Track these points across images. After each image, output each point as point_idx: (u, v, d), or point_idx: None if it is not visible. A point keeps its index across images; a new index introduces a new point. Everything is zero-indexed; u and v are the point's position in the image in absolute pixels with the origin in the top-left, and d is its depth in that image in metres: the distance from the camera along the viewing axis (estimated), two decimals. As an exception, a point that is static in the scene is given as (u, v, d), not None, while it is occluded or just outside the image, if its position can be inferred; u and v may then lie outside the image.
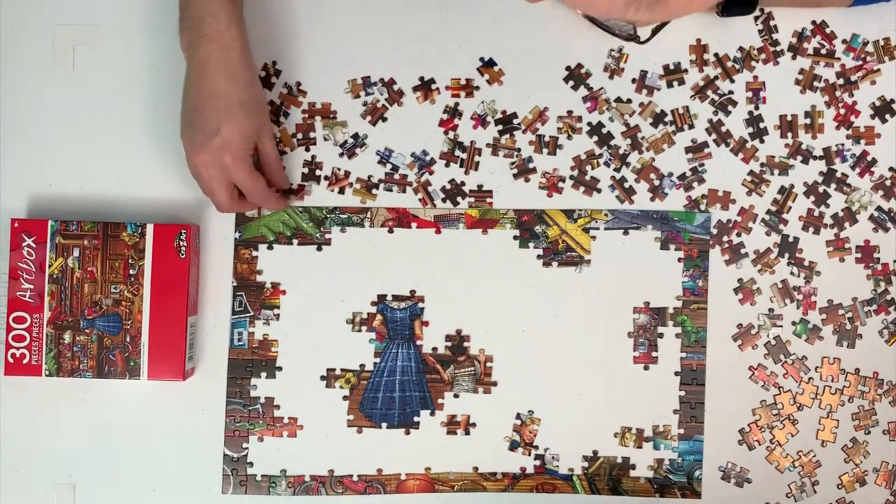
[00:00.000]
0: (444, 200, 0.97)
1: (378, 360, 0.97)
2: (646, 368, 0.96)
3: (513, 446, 0.96)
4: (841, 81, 0.97)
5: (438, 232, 0.97)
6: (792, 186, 0.97)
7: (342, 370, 0.96)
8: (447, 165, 0.97)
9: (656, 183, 0.97)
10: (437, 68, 0.97)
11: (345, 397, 0.96)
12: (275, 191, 0.94)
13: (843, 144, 0.97)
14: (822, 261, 0.97)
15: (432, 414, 0.96)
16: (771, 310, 0.96)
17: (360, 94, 0.97)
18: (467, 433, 0.96)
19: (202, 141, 0.87)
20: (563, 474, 0.96)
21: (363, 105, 0.97)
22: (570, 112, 0.97)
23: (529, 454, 0.96)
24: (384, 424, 0.96)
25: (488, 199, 0.97)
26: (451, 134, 0.97)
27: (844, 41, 0.97)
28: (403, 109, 0.97)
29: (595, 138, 0.97)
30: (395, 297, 0.97)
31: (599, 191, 0.97)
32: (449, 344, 0.97)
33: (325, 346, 0.96)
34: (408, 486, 0.96)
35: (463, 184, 0.97)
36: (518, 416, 0.96)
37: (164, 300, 0.93)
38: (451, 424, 0.96)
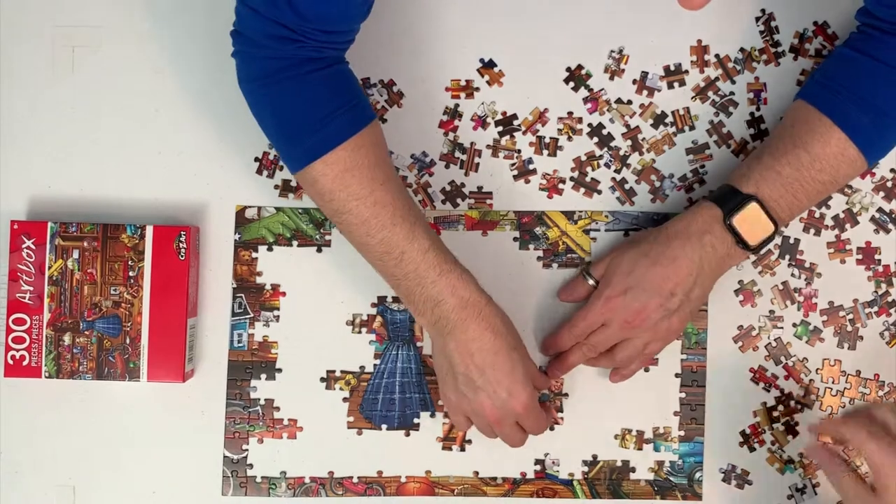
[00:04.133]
0: (443, 202, 0.97)
1: (378, 361, 0.97)
2: (646, 370, 0.96)
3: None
4: (842, 82, 0.97)
5: (438, 233, 0.97)
6: (793, 188, 0.97)
7: (342, 372, 0.96)
8: (447, 167, 0.97)
9: (657, 184, 0.97)
10: (437, 69, 0.97)
11: (345, 399, 0.96)
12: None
13: (844, 146, 0.97)
14: (822, 262, 0.96)
15: (432, 416, 0.96)
16: (772, 311, 0.96)
17: (359, 95, 0.97)
18: (462, 450, 0.96)
19: (493, 399, 0.86)
20: (563, 479, 0.96)
21: (363, 106, 0.97)
22: (570, 113, 0.97)
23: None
24: (384, 426, 0.96)
25: (488, 201, 0.97)
26: (450, 135, 0.97)
27: (846, 42, 0.97)
28: (403, 111, 0.97)
29: (595, 139, 0.97)
30: (395, 299, 0.96)
31: (600, 192, 0.97)
32: (449, 345, 0.96)
33: (325, 348, 0.96)
34: (408, 488, 0.96)
35: (463, 185, 0.97)
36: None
37: (163, 302, 0.93)
38: (447, 440, 0.96)
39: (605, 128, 0.97)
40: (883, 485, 0.77)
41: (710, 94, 0.97)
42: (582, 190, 0.97)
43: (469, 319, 0.86)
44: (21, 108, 0.96)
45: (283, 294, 0.97)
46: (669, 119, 0.97)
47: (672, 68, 0.97)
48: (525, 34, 0.97)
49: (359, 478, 0.96)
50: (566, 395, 0.96)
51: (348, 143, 0.85)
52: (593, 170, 0.97)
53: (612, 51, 0.97)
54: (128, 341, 0.93)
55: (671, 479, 0.96)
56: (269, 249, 0.97)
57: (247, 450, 0.96)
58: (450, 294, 0.86)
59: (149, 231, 0.93)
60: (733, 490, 0.96)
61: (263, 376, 0.96)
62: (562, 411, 0.96)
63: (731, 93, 0.97)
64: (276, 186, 0.97)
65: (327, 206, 0.88)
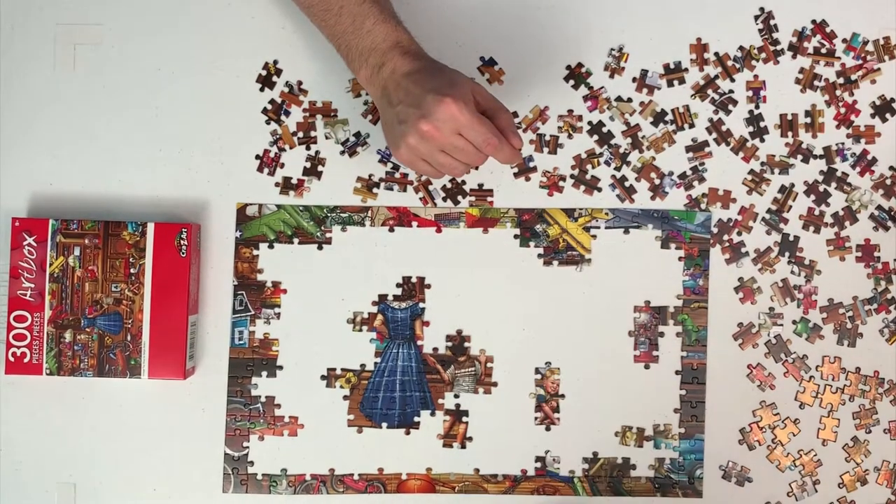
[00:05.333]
0: (444, 199, 0.97)
1: (378, 359, 0.97)
2: (646, 367, 0.96)
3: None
4: (841, 80, 0.97)
5: (439, 231, 0.97)
6: (792, 185, 0.97)
7: (343, 370, 0.96)
8: (448, 164, 0.97)
9: (657, 182, 0.97)
10: (438, 68, 0.97)
11: (345, 397, 0.96)
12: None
13: (843, 143, 0.97)
14: (822, 260, 0.97)
15: (432, 414, 0.96)
16: (771, 309, 0.97)
17: (360, 92, 0.97)
18: (463, 447, 0.96)
19: (417, 108, 0.84)
20: (563, 476, 0.96)
21: (364, 104, 0.97)
22: (570, 111, 0.97)
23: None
24: (384, 424, 0.96)
25: (489, 198, 0.97)
26: (451, 133, 0.97)
27: (844, 40, 0.97)
28: (404, 108, 0.97)
29: (595, 137, 0.97)
30: (396, 297, 0.97)
31: (600, 190, 0.97)
32: (449, 344, 0.97)
33: (326, 346, 0.96)
34: (409, 486, 0.96)
35: (464, 183, 0.97)
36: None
37: (164, 299, 0.93)
38: (448, 437, 0.96)
39: (605, 126, 0.97)
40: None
41: (709, 91, 0.97)
42: (582, 187, 0.97)
43: (402, 58, 0.87)
44: (23, 106, 0.97)
45: (284, 291, 0.97)
46: (669, 117, 0.97)
47: (672, 66, 0.97)
48: (525, 32, 0.97)
49: (360, 475, 0.96)
50: (563, 395, 0.96)
51: None
52: (593, 167, 0.97)
53: (611, 49, 0.97)
54: (129, 338, 0.93)
55: (671, 476, 0.96)
56: (270, 247, 0.97)
57: (248, 447, 0.96)
58: (382, 39, 0.87)
59: (150, 228, 0.93)
60: (733, 487, 0.96)
61: (264, 374, 0.96)
62: (558, 411, 0.96)
63: (731, 91, 0.97)
64: (277, 184, 0.97)
65: None
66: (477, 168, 0.94)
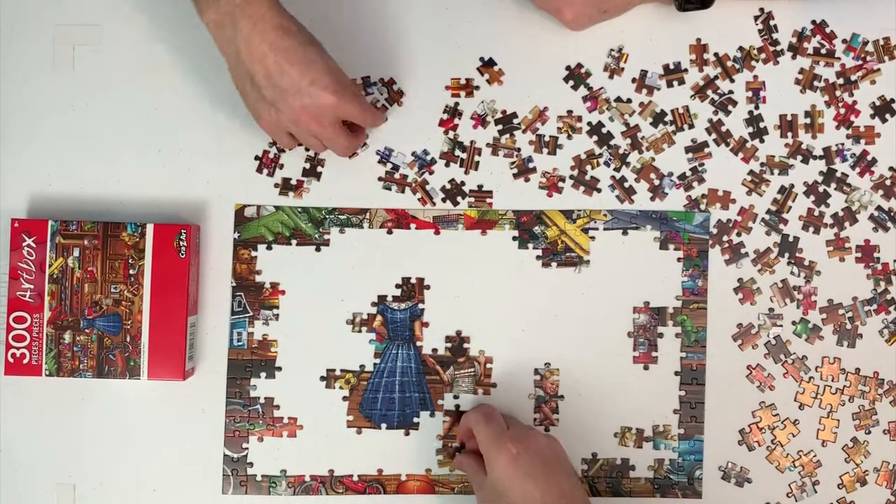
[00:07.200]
0: (444, 200, 0.97)
1: (378, 360, 0.97)
2: (646, 368, 0.96)
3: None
4: (841, 81, 0.97)
5: (437, 233, 0.97)
6: (792, 186, 0.97)
7: (342, 371, 0.96)
8: (447, 165, 0.97)
9: (656, 183, 0.97)
10: (437, 68, 0.97)
11: (344, 398, 0.96)
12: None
13: (843, 144, 0.97)
14: (822, 260, 0.97)
15: (432, 415, 0.96)
16: (771, 309, 0.96)
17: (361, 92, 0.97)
18: (463, 447, 0.96)
19: (301, 100, 0.84)
20: (563, 475, 0.96)
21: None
22: (569, 112, 0.97)
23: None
24: (384, 425, 0.96)
25: (488, 199, 0.97)
26: (451, 134, 0.97)
27: (844, 41, 0.97)
28: (403, 109, 0.97)
29: (595, 138, 0.97)
30: (395, 298, 0.97)
31: (599, 190, 0.97)
32: (449, 345, 0.97)
33: (325, 347, 0.96)
34: (408, 486, 0.96)
35: (463, 183, 0.97)
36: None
37: (164, 300, 0.93)
38: (448, 438, 0.96)
39: (604, 126, 0.97)
40: (493, 467, 0.85)
41: (709, 92, 0.97)
42: (581, 188, 0.97)
43: (256, 18, 0.82)
44: (21, 107, 0.97)
45: (283, 292, 0.97)
46: (669, 117, 0.97)
47: (671, 67, 0.97)
48: (525, 32, 0.97)
49: (359, 476, 0.96)
50: (562, 396, 0.96)
51: None
52: (593, 168, 0.97)
53: (611, 49, 0.97)
54: (128, 339, 0.93)
55: (671, 477, 0.96)
56: (269, 248, 0.97)
57: (247, 448, 0.96)
58: None
59: (149, 229, 0.93)
60: (733, 488, 0.96)
61: (263, 375, 0.96)
62: (557, 412, 0.96)
63: (730, 91, 0.97)
64: (276, 185, 0.97)
65: None
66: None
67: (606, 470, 0.96)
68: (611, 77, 0.97)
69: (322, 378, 0.96)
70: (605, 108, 0.97)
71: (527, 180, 0.97)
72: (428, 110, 0.97)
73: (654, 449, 0.96)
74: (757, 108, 0.97)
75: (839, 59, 0.97)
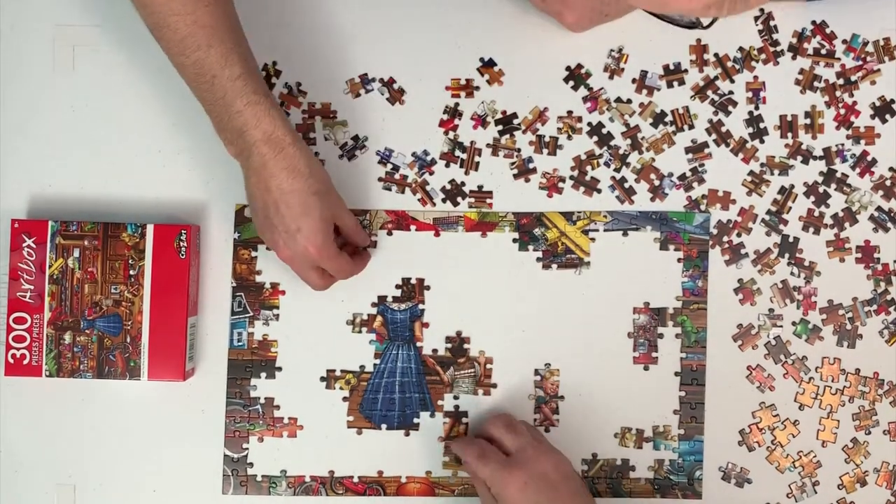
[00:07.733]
0: (444, 200, 0.97)
1: (378, 361, 0.97)
2: (646, 369, 0.96)
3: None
4: (841, 81, 0.97)
5: (437, 235, 0.97)
6: (792, 187, 0.97)
7: (342, 371, 0.96)
8: (447, 166, 0.97)
9: (656, 183, 0.97)
10: (437, 68, 0.97)
11: (344, 398, 0.96)
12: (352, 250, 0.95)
13: (843, 144, 0.97)
14: (822, 261, 0.97)
15: (432, 416, 0.96)
16: (771, 310, 0.96)
17: (359, 93, 0.97)
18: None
19: (286, 240, 0.87)
20: (563, 477, 0.96)
21: (363, 105, 0.97)
22: (570, 112, 0.97)
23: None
24: (384, 426, 0.96)
25: (488, 200, 0.97)
26: (451, 134, 0.97)
27: (844, 41, 0.97)
28: (403, 109, 0.97)
29: (595, 138, 0.97)
30: (396, 299, 0.97)
31: (599, 191, 0.97)
32: (449, 346, 0.97)
33: (325, 347, 0.96)
34: (408, 488, 0.96)
35: (463, 184, 0.97)
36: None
37: (164, 301, 0.93)
38: (448, 439, 0.96)
39: (604, 127, 0.97)
40: (501, 497, 0.86)
41: (709, 93, 0.97)
42: (582, 189, 0.97)
43: (269, 155, 0.85)
44: (22, 107, 0.97)
45: (283, 293, 0.97)
46: (669, 118, 0.97)
47: (671, 67, 0.97)
48: (525, 32, 0.97)
49: (359, 477, 0.96)
50: (562, 397, 0.96)
51: None
52: (593, 169, 0.97)
53: (611, 50, 0.97)
54: (128, 340, 0.93)
55: (671, 477, 0.96)
56: (269, 248, 0.97)
57: (247, 448, 0.96)
58: (253, 126, 0.85)
59: (149, 230, 0.93)
60: (733, 489, 0.96)
61: (263, 375, 0.96)
62: (558, 412, 0.96)
63: (731, 92, 0.97)
64: (277, 185, 0.97)
65: (148, 19, 0.86)
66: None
67: (606, 470, 0.96)
68: (611, 77, 0.97)
69: (322, 378, 0.96)
70: (605, 108, 0.97)
71: (527, 181, 0.97)
72: (428, 111, 0.97)
73: (654, 449, 0.96)
74: (757, 108, 0.97)
75: (839, 59, 0.97)
